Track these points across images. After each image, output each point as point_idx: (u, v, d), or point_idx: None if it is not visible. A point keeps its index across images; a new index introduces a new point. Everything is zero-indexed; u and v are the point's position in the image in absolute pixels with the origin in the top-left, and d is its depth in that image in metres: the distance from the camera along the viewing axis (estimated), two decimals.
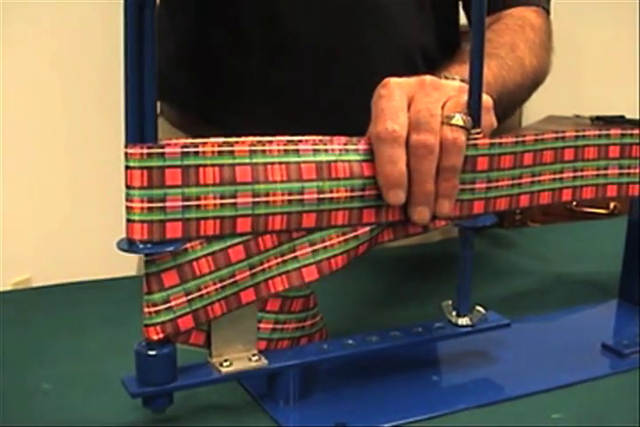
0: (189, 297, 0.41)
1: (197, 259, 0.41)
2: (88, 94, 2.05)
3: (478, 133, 0.47)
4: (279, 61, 0.74)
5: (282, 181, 0.42)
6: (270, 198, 0.42)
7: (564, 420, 0.46)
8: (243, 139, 0.42)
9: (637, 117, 2.29)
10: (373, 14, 0.75)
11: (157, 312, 0.41)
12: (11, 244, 2.00)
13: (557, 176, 0.51)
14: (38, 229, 2.11)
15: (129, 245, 0.40)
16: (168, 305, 0.41)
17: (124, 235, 0.40)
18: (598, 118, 2.39)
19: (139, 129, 0.39)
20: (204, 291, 0.42)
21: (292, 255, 0.44)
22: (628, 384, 0.50)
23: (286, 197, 0.42)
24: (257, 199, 0.41)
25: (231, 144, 0.41)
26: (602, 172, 0.53)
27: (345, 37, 0.74)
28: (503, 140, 0.48)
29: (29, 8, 1.89)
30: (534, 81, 0.75)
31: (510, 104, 0.69)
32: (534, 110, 2.73)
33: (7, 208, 2.02)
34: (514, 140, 0.48)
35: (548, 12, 0.82)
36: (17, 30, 1.93)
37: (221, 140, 0.42)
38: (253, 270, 0.43)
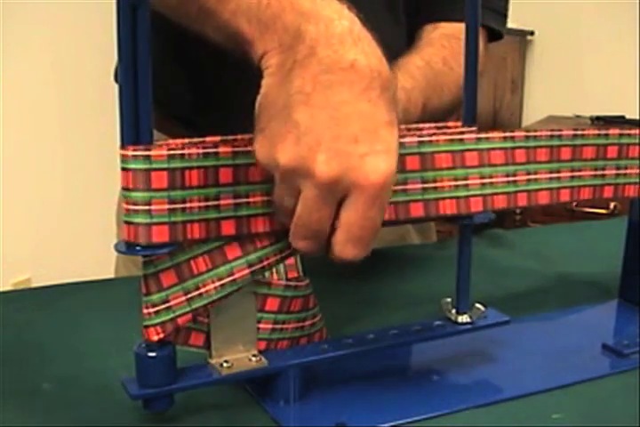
0: (189, 296, 0.41)
1: (195, 257, 0.41)
2: (87, 97, 2.05)
3: (472, 131, 0.47)
4: (250, 70, 0.74)
5: (262, 182, 0.42)
6: (251, 200, 0.41)
7: (564, 420, 0.46)
8: (240, 136, 0.42)
9: (637, 117, 2.29)
10: None
11: (157, 313, 0.41)
12: (11, 244, 2.00)
13: (555, 175, 0.51)
14: (38, 230, 2.11)
15: (126, 247, 0.40)
16: (167, 305, 0.41)
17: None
18: (598, 118, 2.40)
19: (134, 131, 0.39)
20: (202, 290, 0.42)
21: (289, 252, 0.44)
22: (628, 384, 0.50)
23: (265, 198, 0.42)
24: (239, 200, 0.41)
25: (216, 145, 0.40)
26: (599, 172, 0.53)
27: None
28: (490, 136, 0.48)
29: (28, 10, 1.90)
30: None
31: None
32: (534, 110, 2.73)
33: (7, 209, 2.02)
34: (502, 135, 0.48)
35: (496, 34, 0.79)
36: (15, 32, 1.93)
37: (218, 138, 0.42)
38: (252, 268, 0.43)
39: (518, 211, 2.03)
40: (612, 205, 1.97)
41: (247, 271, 0.43)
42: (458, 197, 0.46)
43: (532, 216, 2.14)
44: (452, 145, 0.46)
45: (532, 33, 2.67)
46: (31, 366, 0.52)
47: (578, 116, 2.55)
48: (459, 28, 0.75)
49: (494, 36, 0.80)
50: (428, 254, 0.77)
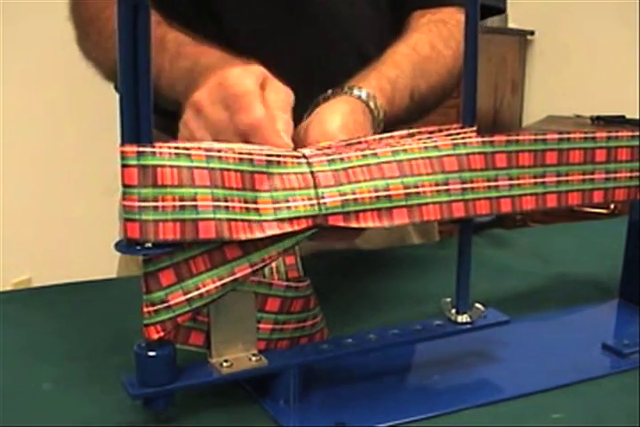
0: (188, 296, 0.41)
1: (193, 257, 0.41)
2: (87, 94, 2.05)
3: (472, 131, 0.47)
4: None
5: (237, 189, 0.41)
6: (229, 204, 0.41)
7: (564, 420, 0.46)
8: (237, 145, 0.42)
9: (637, 117, 2.29)
10: (318, 14, 0.75)
11: (157, 311, 0.41)
12: (11, 245, 2.00)
13: (539, 180, 0.50)
14: (39, 230, 2.11)
15: (127, 247, 0.40)
16: (167, 304, 0.41)
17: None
18: (599, 118, 2.40)
19: (134, 131, 0.38)
20: (203, 290, 0.41)
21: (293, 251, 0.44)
22: (628, 384, 0.50)
23: (243, 205, 0.41)
24: (217, 203, 0.40)
25: (188, 148, 0.40)
26: (588, 177, 0.52)
27: (288, 37, 0.74)
28: (468, 141, 0.47)
29: (29, 13, 1.90)
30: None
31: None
32: (534, 110, 2.73)
33: (8, 209, 2.02)
34: (480, 140, 0.48)
35: (494, 9, 0.81)
36: (17, 33, 1.93)
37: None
38: (255, 267, 0.43)
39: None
40: (612, 205, 1.97)
41: (249, 271, 0.42)
42: (440, 203, 0.46)
43: (533, 216, 2.14)
44: (430, 151, 0.46)
45: (532, 33, 2.68)
46: (31, 366, 0.52)
47: (578, 116, 2.55)
48: (447, 13, 0.76)
49: (492, 10, 0.81)
50: (429, 254, 0.77)
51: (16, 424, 0.45)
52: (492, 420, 0.46)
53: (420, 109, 0.70)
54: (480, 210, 0.48)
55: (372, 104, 0.58)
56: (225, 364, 0.45)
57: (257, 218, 0.41)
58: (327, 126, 0.52)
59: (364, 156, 0.45)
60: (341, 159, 0.45)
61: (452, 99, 0.74)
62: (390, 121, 0.61)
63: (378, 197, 0.44)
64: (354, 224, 0.44)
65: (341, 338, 0.49)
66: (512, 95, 2.69)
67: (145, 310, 0.41)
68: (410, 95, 0.66)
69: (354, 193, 0.44)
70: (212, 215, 0.40)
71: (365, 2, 0.78)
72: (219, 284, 0.42)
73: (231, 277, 0.42)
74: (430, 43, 0.72)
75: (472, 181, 0.47)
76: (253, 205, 0.41)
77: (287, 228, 0.42)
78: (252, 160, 0.42)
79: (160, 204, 0.38)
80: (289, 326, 0.47)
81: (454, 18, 0.76)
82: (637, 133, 0.54)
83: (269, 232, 0.41)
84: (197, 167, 0.40)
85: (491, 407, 0.47)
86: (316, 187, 0.43)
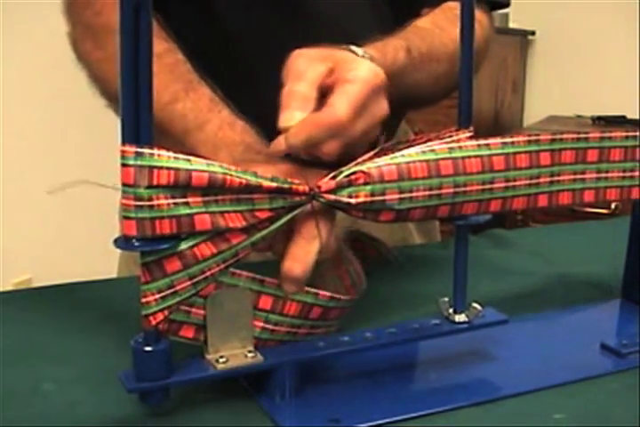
0: (194, 280, 0.42)
1: (197, 244, 0.42)
2: (88, 96, 2.06)
3: (469, 132, 0.48)
4: (223, 58, 0.75)
5: (233, 190, 0.42)
6: (220, 198, 0.42)
7: (565, 420, 0.46)
8: None
9: (637, 117, 2.29)
10: (318, 14, 0.76)
11: (163, 298, 0.41)
12: (12, 245, 2.01)
13: (534, 181, 0.50)
14: (39, 231, 2.11)
15: (126, 242, 0.40)
16: (174, 290, 0.41)
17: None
18: (600, 118, 2.40)
19: (134, 131, 0.39)
20: (208, 273, 0.42)
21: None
22: (628, 384, 0.50)
23: (234, 196, 0.42)
24: (207, 198, 0.41)
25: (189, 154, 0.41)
26: (579, 176, 0.52)
27: (284, 36, 0.75)
28: (462, 145, 0.47)
29: (31, 9, 1.90)
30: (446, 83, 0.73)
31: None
32: (535, 110, 2.73)
33: (9, 209, 2.02)
34: (476, 143, 0.48)
35: (496, 5, 0.82)
36: (16, 29, 1.94)
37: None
38: (255, 246, 0.44)
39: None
40: (613, 205, 1.97)
41: (250, 250, 0.44)
42: (428, 207, 0.46)
43: (534, 216, 2.14)
44: (426, 155, 0.46)
45: (532, 33, 2.68)
46: (31, 366, 0.52)
47: (579, 116, 2.55)
48: (453, 4, 0.76)
49: (496, 5, 0.82)
50: (430, 254, 0.77)
51: (16, 424, 0.45)
52: (493, 419, 0.46)
53: (425, 72, 0.68)
54: (466, 210, 0.48)
55: (361, 53, 0.58)
56: (220, 360, 0.45)
57: (250, 207, 0.42)
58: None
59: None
60: (340, 171, 0.46)
61: (454, 99, 0.74)
62: (390, 76, 0.61)
63: (373, 201, 0.45)
64: (345, 199, 0.45)
65: (338, 336, 0.49)
66: (513, 95, 2.69)
67: (151, 298, 0.41)
68: (406, 50, 0.65)
69: (350, 183, 0.45)
70: (204, 209, 0.41)
71: (366, 2, 0.78)
72: (223, 266, 0.43)
73: (234, 259, 0.43)
74: (433, 22, 0.72)
75: (466, 185, 0.47)
76: (247, 195, 0.42)
77: (280, 211, 0.44)
78: (256, 173, 0.43)
79: (155, 202, 0.39)
80: (281, 329, 0.47)
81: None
82: (631, 134, 0.54)
83: (262, 217, 0.43)
84: (196, 170, 0.40)
85: (491, 407, 0.47)
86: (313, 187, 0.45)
